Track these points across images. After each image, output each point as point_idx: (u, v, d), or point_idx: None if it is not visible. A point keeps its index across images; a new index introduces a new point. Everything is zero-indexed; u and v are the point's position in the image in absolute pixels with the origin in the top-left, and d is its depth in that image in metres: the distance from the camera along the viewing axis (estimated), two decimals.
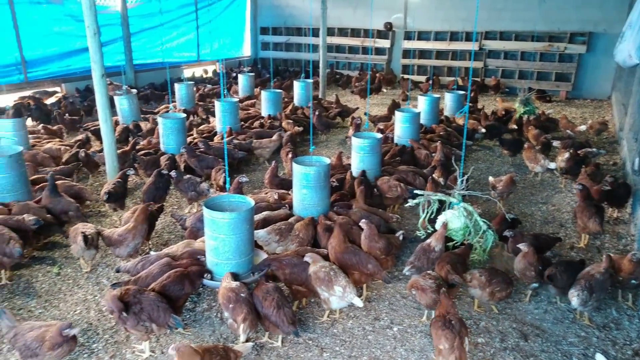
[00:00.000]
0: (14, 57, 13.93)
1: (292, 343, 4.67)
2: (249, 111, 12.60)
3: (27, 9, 13.92)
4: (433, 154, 8.83)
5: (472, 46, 17.10)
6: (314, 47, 20.58)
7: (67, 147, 9.18)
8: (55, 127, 10.59)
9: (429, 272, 5.01)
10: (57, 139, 10.03)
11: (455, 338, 3.96)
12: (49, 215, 6.43)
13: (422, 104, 11.24)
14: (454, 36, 18.21)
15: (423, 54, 18.89)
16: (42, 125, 10.53)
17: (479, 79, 17.31)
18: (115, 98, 11.21)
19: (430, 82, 15.93)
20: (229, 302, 4.42)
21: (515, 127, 11.09)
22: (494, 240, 5.88)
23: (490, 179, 7.73)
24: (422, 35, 18.83)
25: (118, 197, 7.00)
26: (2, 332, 4.43)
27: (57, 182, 6.88)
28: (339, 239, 5.26)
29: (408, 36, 18.91)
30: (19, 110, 9.19)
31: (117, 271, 5.40)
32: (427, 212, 6.22)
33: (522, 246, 5.28)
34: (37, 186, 7.23)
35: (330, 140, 11.50)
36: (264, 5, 21.79)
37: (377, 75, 17.80)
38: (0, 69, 12.63)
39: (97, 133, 10.26)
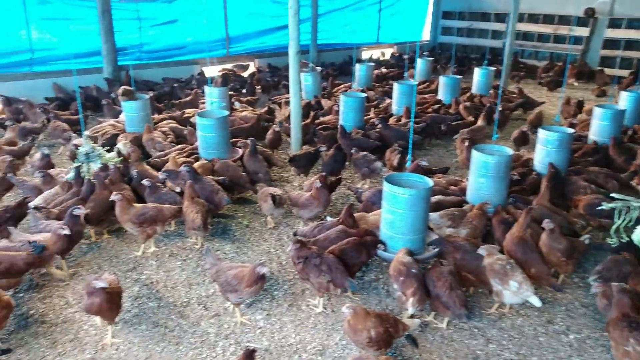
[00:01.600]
0: (221, 34, 15.84)
1: (456, 327, 4.67)
2: (425, 96, 12.50)
3: None
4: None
5: None
6: (499, 34, 19.48)
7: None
8: (244, 99, 11.79)
9: (621, 284, 4.53)
10: (250, 108, 11.21)
11: None
12: (243, 174, 7.31)
13: (624, 101, 9.95)
14: None
15: (630, 45, 16.53)
16: (235, 97, 11.81)
17: None
18: (301, 74, 12.03)
19: (635, 77, 13.94)
20: (400, 275, 4.57)
21: None
22: None
23: None
24: (633, 23, 16.42)
25: (301, 163, 7.62)
26: (205, 267, 5.23)
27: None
28: (521, 227, 5.04)
29: (614, 24, 16.72)
30: (226, 80, 10.48)
31: (295, 234, 5.93)
32: (625, 220, 5.58)
33: None
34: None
35: (508, 131, 10.84)
36: None
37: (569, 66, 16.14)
38: (211, 44, 14.46)
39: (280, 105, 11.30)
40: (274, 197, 6.20)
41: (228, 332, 4.61)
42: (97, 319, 4.59)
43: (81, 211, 5.35)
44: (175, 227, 6.46)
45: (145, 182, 6.25)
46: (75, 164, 6.81)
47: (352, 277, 4.87)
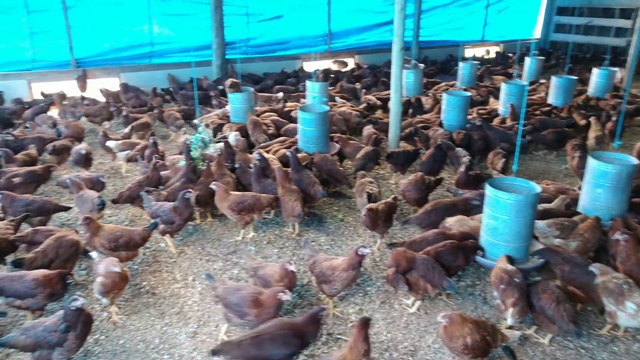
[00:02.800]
0: (323, 30, 16.08)
1: (560, 345, 4.37)
2: (533, 97, 11.77)
3: None
4: None
5: None
6: (622, 31, 17.81)
7: (357, 112, 10.23)
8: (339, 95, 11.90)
9: None
10: (349, 104, 11.27)
11: None
12: (340, 168, 7.38)
13: None
14: None
15: None
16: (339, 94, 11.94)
17: None
18: (403, 71, 11.86)
19: None
20: (501, 282, 4.36)
21: None
22: None
23: None
24: None
25: (398, 161, 7.54)
26: (304, 258, 5.35)
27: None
28: (633, 248, 4.62)
29: None
30: (327, 76, 10.64)
31: (406, 222, 6.11)
32: None
33: None
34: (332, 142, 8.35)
35: (630, 139, 9.87)
36: None
37: None
38: (313, 39, 14.74)
39: (382, 102, 11.24)
40: (369, 195, 6.20)
41: None
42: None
43: (192, 194, 5.72)
44: (274, 215, 6.69)
45: (252, 169, 6.53)
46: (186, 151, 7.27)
47: None
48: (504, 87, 10.21)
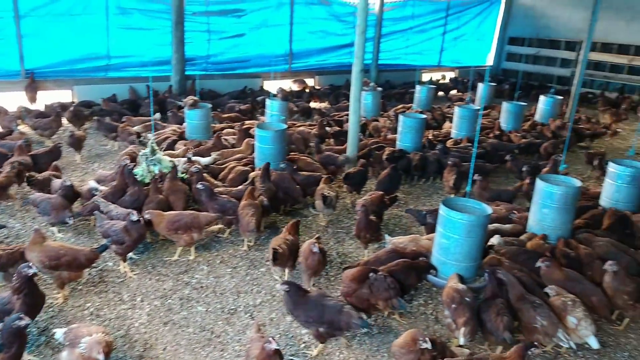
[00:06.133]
0: (284, 50, 16.20)
1: None
2: (484, 122, 12.20)
3: (301, 9, 16.00)
4: None
5: None
6: (567, 62, 18.84)
7: (316, 132, 10.29)
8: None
9: None
10: (307, 123, 11.34)
11: None
12: (297, 186, 7.36)
13: None
14: None
15: None
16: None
17: None
18: (362, 93, 12.04)
19: None
20: (452, 302, 4.43)
21: None
22: None
23: None
24: None
25: (355, 181, 7.60)
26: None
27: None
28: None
29: None
30: (287, 95, 10.71)
31: None
32: None
33: None
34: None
35: (573, 162, 10.36)
36: (518, 15, 20.62)
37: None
38: (274, 59, 14.80)
39: (338, 123, 11.34)
40: (324, 197, 6.51)
41: None
42: None
43: (137, 216, 5.48)
44: (228, 235, 6.57)
45: (199, 185, 6.39)
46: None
47: None
48: (457, 111, 10.55)
